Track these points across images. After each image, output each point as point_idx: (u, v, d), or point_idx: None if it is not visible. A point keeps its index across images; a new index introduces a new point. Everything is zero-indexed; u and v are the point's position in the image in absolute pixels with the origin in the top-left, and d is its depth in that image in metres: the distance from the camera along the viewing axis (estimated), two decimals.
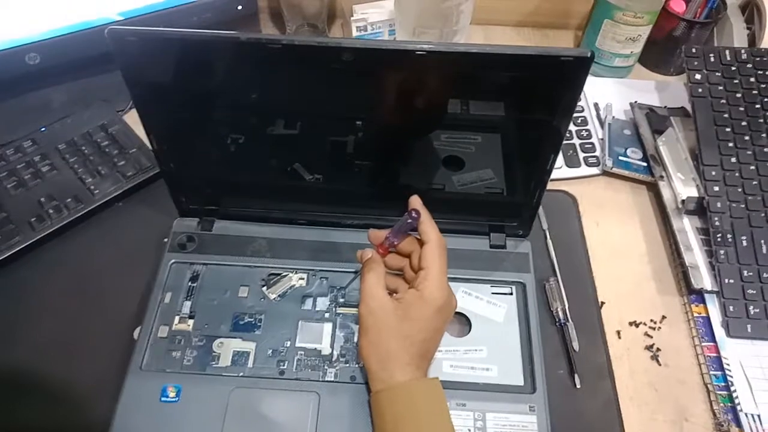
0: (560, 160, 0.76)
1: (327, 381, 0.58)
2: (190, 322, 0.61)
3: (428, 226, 0.56)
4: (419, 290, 0.53)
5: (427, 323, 0.53)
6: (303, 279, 0.64)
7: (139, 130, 0.68)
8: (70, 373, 0.60)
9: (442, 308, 0.53)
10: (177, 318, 0.61)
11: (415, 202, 0.57)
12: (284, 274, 0.65)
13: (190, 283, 0.63)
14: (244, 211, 0.67)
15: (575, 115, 0.79)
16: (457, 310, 0.62)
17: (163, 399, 0.56)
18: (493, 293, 0.64)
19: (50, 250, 0.68)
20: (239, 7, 0.83)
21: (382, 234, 0.57)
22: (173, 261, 0.65)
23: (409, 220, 0.55)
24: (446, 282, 0.54)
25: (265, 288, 0.64)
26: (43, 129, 0.76)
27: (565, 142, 0.73)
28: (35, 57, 0.74)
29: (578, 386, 0.59)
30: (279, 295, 0.63)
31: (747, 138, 0.71)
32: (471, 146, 0.63)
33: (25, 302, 0.64)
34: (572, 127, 0.79)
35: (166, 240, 0.66)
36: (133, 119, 0.75)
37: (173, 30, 0.50)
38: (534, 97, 0.56)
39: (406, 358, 0.51)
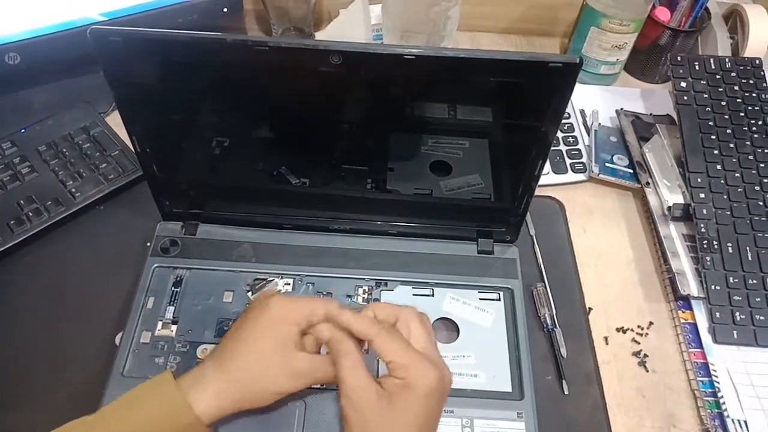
0: (547, 166, 0.76)
1: (313, 388, 0.57)
2: (174, 327, 0.60)
3: (359, 325, 0.48)
4: (400, 379, 0.46)
5: (419, 410, 0.46)
6: (289, 284, 0.63)
7: (122, 133, 0.67)
8: (50, 379, 0.58)
9: (433, 388, 0.46)
10: (160, 323, 0.60)
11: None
12: (270, 279, 0.64)
13: (173, 288, 0.62)
14: (229, 214, 0.66)
15: (562, 121, 0.80)
16: (445, 315, 0.62)
17: None
18: (480, 299, 0.63)
19: (30, 254, 0.66)
20: (225, 10, 0.82)
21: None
22: (156, 265, 0.63)
23: None
24: (424, 357, 0.47)
25: (250, 293, 0.63)
26: (23, 130, 0.74)
27: (552, 148, 0.73)
28: (15, 57, 0.73)
29: (566, 392, 0.59)
30: None
31: (732, 146, 0.72)
32: (459, 151, 0.63)
33: (3, 307, 0.62)
34: (559, 134, 0.79)
35: (148, 244, 0.65)
36: (115, 121, 0.74)
37: (158, 30, 0.49)
38: (522, 102, 0.56)
39: None
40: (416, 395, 0.46)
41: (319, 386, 0.57)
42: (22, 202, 0.68)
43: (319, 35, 0.86)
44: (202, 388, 0.48)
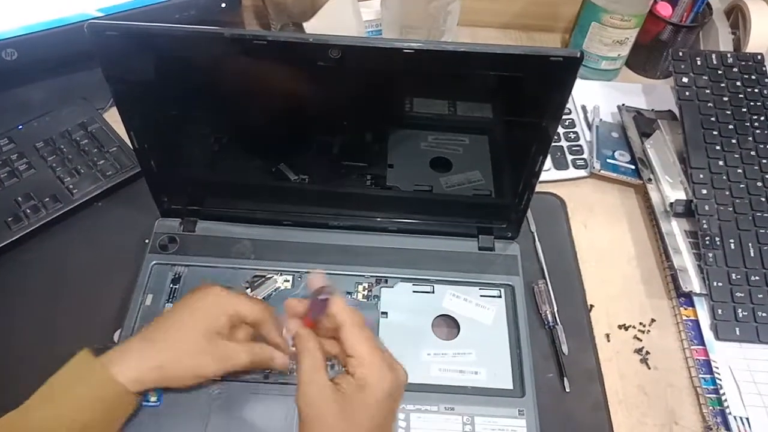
0: (548, 162, 0.76)
1: None
2: None
3: (336, 306, 0.48)
4: (357, 379, 0.46)
5: (373, 412, 0.45)
6: (288, 281, 0.63)
7: (120, 129, 0.67)
8: (49, 376, 0.58)
9: (389, 391, 0.46)
10: None
11: (318, 281, 0.48)
12: (269, 276, 0.63)
13: (172, 285, 0.62)
14: (227, 211, 0.66)
15: (563, 117, 0.79)
16: (445, 312, 0.62)
17: (143, 403, 0.54)
18: (481, 296, 0.63)
19: (27, 251, 0.66)
20: (223, 5, 0.82)
21: (300, 307, 0.49)
22: (155, 262, 0.63)
23: (321, 297, 0.47)
24: (384, 359, 0.47)
25: (249, 290, 0.62)
26: (20, 127, 0.73)
27: (552, 144, 0.72)
28: (12, 53, 0.72)
29: (567, 390, 0.59)
30: (263, 298, 0.62)
31: (734, 141, 0.72)
32: (459, 148, 0.63)
33: (0, 305, 0.62)
34: (560, 130, 0.79)
35: (147, 241, 0.65)
36: (113, 117, 0.73)
37: (156, 25, 0.49)
38: (522, 97, 0.56)
39: None
40: (371, 397, 0.45)
41: None
42: (19, 198, 0.67)
43: (306, 27, 0.84)
44: (125, 359, 0.50)
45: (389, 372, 0.46)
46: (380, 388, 0.45)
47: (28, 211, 0.66)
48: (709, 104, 0.74)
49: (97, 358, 0.50)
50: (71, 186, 0.69)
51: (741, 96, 0.75)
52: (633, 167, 0.75)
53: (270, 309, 0.55)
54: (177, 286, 0.62)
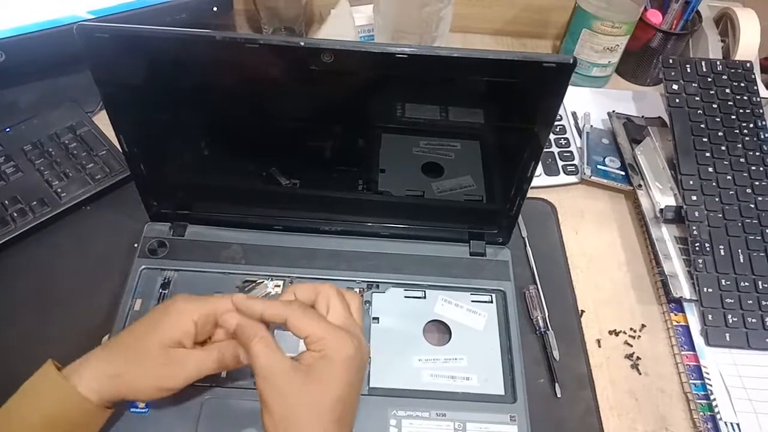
0: (539, 168, 0.76)
1: None
2: None
3: (270, 308, 0.49)
4: (317, 351, 0.46)
5: (337, 381, 0.45)
6: (279, 286, 0.63)
7: (109, 132, 0.66)
8: None
9: (352, 359, 0.46)
10: None
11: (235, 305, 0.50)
12: (260, 281, 0.63)
13: (161, 290, 0.61)
14: (218, 215, 0.65)
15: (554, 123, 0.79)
16: (437, 318, 0.61)
17: (132, 410, 0.54)
18: (473, 301, 0.63)
19: (14, 255, 0.65)
20: (214, 9, 0.81)
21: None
22: (144, 267, 0.62)
23: None
24: (338, 329, 0.47)
25: None
26: (7, 129, 0.73)
27: (543, 150, 0.72)
28: (0, 55, 0.72)
29: (559, 395, 0.59)
30: None
31: (723, 148, 0.72)
32: (450, 153, 0.63)
33: None
34: (551, 136, 0.79)
35: (136, 245, 0.64)
36: (102, 121, 0.73)
37: (146, 27, 0.48)
38: (515, 103, 0.56)
39: (319, 429, 0.44)
40: (334, 365, 0.45)
41: None
42: (6, 202, 0.66)
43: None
44: (84, 367, 0.48)
45: (349, 338, 0.47)
46: (342, 354, 0.46)
47: (15, 214, 0.65)
48: (699, 111, 0.74)
49: (59, 371, 0.47)
50: (59, 190, 0.68)
51: (730, 103, 0.75)
52: (623, 173, 0.75)
53: (240, 295, 0.52)
54: (166, 291, 0.61)
